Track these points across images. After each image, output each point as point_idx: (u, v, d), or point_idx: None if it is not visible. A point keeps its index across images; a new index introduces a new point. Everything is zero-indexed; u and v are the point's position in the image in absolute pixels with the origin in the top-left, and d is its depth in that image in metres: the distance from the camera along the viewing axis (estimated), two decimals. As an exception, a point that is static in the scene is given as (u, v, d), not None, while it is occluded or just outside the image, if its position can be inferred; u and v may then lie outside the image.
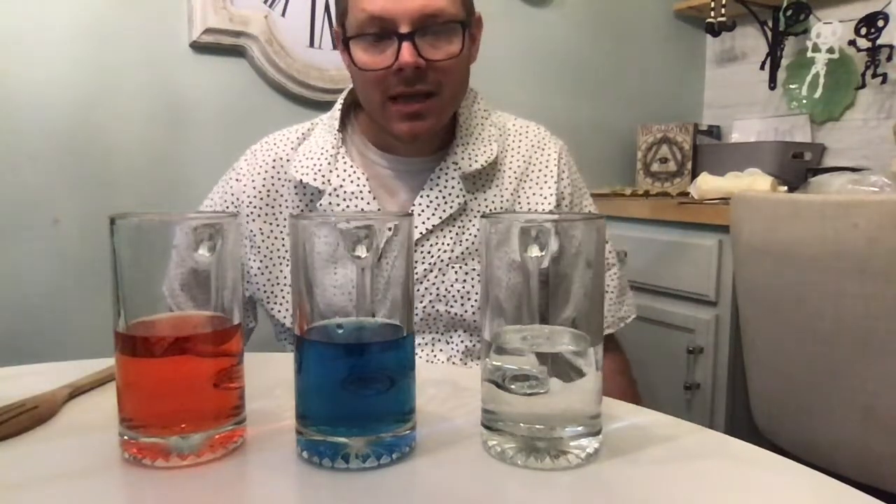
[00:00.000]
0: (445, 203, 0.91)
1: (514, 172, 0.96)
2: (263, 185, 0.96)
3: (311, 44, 1.76)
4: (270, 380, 0.62)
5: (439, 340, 0.93)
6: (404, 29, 0.82)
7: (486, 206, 0.94)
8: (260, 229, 0.96)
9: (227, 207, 0.98)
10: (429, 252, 0.91)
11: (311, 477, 0.48)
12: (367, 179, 0.92)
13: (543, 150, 0.99)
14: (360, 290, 0.50)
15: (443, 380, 0.70)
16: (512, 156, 0.97)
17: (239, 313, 0.53)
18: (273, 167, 0.96)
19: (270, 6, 1.70)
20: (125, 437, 0.50)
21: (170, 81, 1.64)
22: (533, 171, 0.98)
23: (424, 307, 0.92)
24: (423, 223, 0.91)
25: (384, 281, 0.50)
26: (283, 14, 1.72)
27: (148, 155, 1.63)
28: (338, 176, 0.92)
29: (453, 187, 0.92)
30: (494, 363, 0.51)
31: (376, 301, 0.50)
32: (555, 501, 0.46)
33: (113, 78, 1.58)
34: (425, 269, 0.91)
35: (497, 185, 0.95)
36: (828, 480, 0.49)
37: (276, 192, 0.96)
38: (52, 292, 1.55)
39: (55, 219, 1.55)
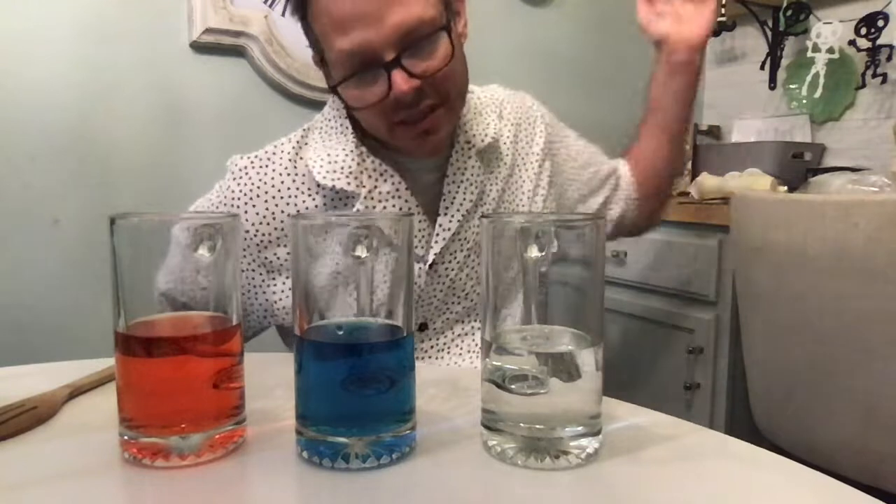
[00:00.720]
0: (471, 185, 0.89)
1: (509, 138, 0.95)
2: (267, 209, 0.87)
3: (311, 44, 1.76)
4: (270, 380, 0.62)
5: (480, 329, 0.90)
6: (388, 56, 0.76)
7: (496, 177, 0.93)
8: (275, 255, 0.88)
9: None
10: (465, 238, 0.89)
11: (311, 477, 0.48)
12: (400, 175, 0.87)
13: (520, 108, 0.99)
14: (360, 291, 0.50)
15: (443, 380, 0.70)
16: (503, 124, 0.96)
17: (239, 313, 0.53)
18: (273, 186, 0.87)
19: (270, 6, 1.70)
20: (125, 437, 0.50)
21: (170, 81, 1.65)
22: (522, 132, 0.97)
23: (467, 294, 0.90)
24: (458, 210, 0.88)
25: (384, 281, 0.50)
26: (284, 14, 1.71)
27: (148, 155, 1.63)
28: (369, 177, 0.86)
29: (473, 167, 0.90)
30: (494, 363, 0.51)
31: (376, 301, 0.50)
32: (555, 501, 0.46)
33: (113, 78, 1.58)
34: (464, 256, 0.89)
35: (497, 156, 0.94)
36: (828, 480, 0.49)
37: (282, 212, 0.87)
38: (52, 292, 1.55)
39: (55, 219, 1.56)
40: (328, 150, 0.87)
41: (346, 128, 0.89)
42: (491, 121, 0.94)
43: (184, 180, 1.65)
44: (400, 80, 0.76)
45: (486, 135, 0.92)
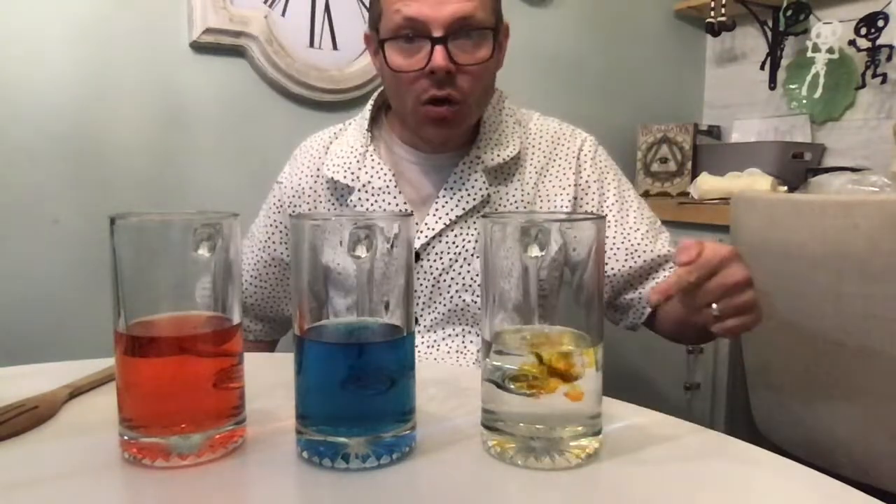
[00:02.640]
0: (468, 195, 0.95)
1: (535, 167, 1.00)
2: (301, 188, 1.02)
3: (311, 44, 1.75)
4: (270, 380, 0.62)
5: (469, 332, 0.96)
6: (437, 33, 0.86)
7: (508, 199, 0.97)
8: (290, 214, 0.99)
9: (275, 213, 1.05)
10: (453, 242, 0.95)
11: (311, 477, 0.48)
12: (393, 175, 0.96)
13: (561, 145, 1.02)
14: (360, 291, 0.50)
15: (443, 380, 0.70)
16: (532, 152, 1.01)
17: (239, 313, 0.53)
18: (310, 167, 1.02)
19: (270, 6, 1.70)
20: (125, 437, 0.50)
21: (170, 81, 1.64)
22: (553, 166, 1.01)
23: (451, 297, 0.95)
24: (447, 214, 0.95)
25: (384, 281, 0.50)
26: (283, 14, 1.71)
27: (148, 155, 1.63)
28: (366, 172, 0.97)
29: (476, 180, 0.96)
30: (494, 363, 0.51)
31: (376, 301, 0.50)
32: (555, 501, 0.46)
33: (113, 78, 1.58)
34: (451, 259, 0.95)
35: (518, 180, 0.99)
36: (828, 480, 0.49)
37: (316, 192, 1.01)
38: (52, 292, 1.55)
39: (55, 219, 1.55)
40: (342, 146, 1.00)
41: (363, 126, 1.00)
42: (510, 144, 0.99)
43: (183, 180, 1.65)
44: (439, 56, 0.86)
45: (498, 156, 0.97)
